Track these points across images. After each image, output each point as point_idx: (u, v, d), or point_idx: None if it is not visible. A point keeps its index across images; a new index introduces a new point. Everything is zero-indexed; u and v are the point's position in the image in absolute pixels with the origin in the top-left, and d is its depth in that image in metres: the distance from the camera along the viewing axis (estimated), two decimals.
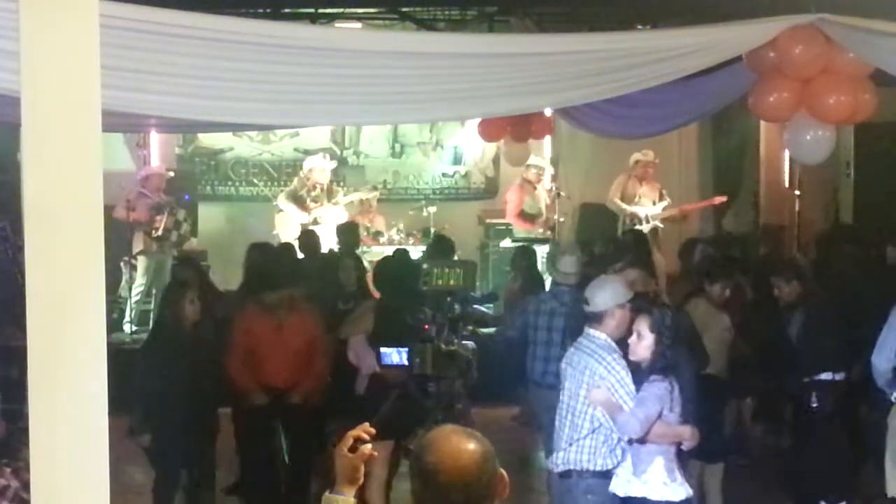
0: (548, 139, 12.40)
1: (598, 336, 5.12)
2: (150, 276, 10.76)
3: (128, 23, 4.53)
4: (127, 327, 10.49)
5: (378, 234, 11.41)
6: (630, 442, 4.98)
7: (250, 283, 7.66)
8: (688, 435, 5.07)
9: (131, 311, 10.63)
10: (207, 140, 12.77)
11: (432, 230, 11.55)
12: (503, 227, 11.94)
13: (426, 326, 3.79)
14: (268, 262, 7.90)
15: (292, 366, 6.64)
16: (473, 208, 12.86)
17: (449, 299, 3.83)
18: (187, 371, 6.26)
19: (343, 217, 11.39)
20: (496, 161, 13.16)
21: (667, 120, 9.77)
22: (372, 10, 11.11)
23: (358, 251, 10.07)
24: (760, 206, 12.36)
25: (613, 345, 5.11)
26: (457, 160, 13.35)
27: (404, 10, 10.69)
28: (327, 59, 5.47)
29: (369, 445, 2.81)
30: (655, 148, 11.44)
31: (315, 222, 11.03)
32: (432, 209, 11.81)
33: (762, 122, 11.04)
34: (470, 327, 3.96)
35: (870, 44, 6.43)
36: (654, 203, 11.25)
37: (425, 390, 3.70)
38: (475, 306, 4.03)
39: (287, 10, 9.86)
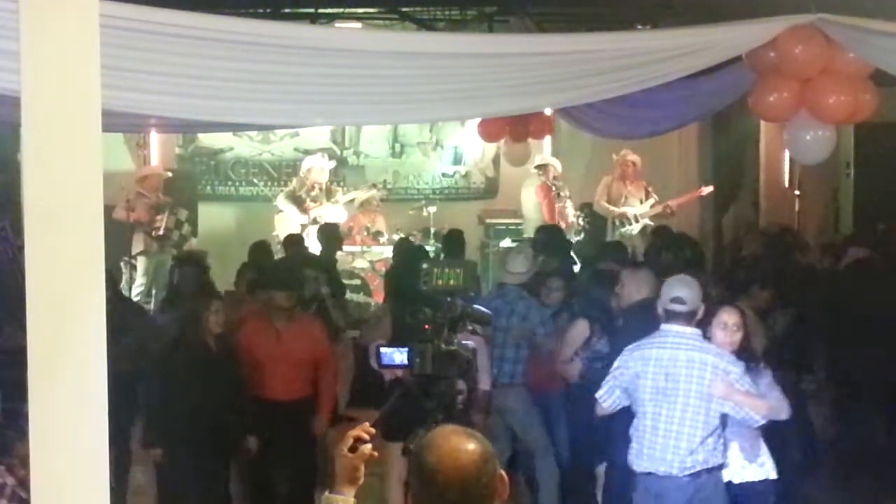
0: (548, 139, 12.40)
1: (693, 332, 5.14)
2: (151, 276, 10.76)
3: (128, 23, 4.53)
4: None
5: (378, 233, 11.40)
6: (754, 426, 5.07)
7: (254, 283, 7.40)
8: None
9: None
10: (207, 140, 12.77)
11: (432, 230, 11.55)
12: (503, 227, 11.94)
13: (426, 326, 3.78)
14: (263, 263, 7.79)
15: (293, 378, 6.35)
16: (473, 208, 12.86)
17: (449, 299, 3.81)
18: (209, 386, 5.92)
19: (343, 217, 11.39)
20: (496, 161, 13.16)
21: (667, 120, 9.79)
22: (372, 10, 11.10)
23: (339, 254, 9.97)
24: (760, 206, 12.35)
25: None
26: (457, 160, 13.35)
27: (404, 10, 10.68)
28: (327, 59, 5.47)
29: (369, 445, 2.81)
30: (655, 148, 11.44)
31: (315, 222, 11.02)
32: (432, 209, 11.81)
33: (762, 122, 11.04)
34: (470, 327, 3.95)
35: (870, 44, 6.43)
36: (640, 202, 11.24)
37: (426, 390, 3.70)
38: (475, 306, 4.02)
39: (287, 10, 9.86)
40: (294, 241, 9.51)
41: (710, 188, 11.53)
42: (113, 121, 6.61)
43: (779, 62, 6.73)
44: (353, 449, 2.81)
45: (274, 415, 6.23)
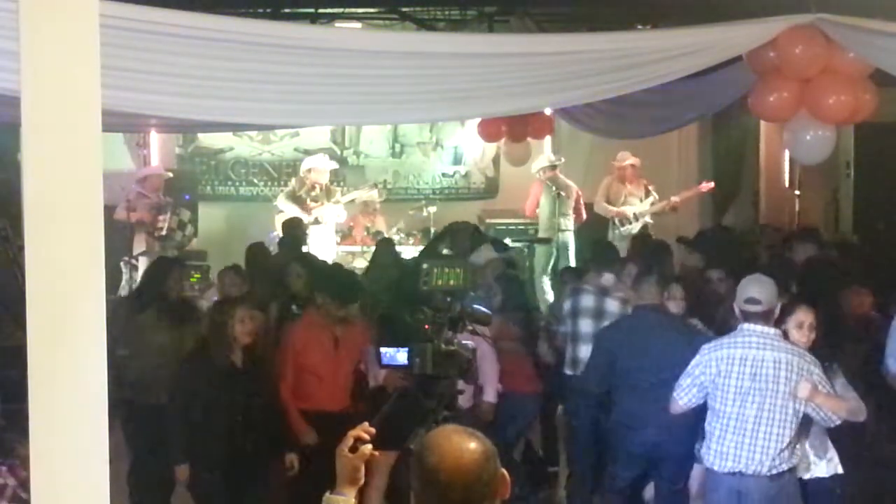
0: (548, 139, 12.40)
1: (775, 332, 5.16)
2: None
3: (128, 23, 4.53)
4: None
5: (378, 233, 11.40)
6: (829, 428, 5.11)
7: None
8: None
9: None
10: (207, 140, 12.76)
11: (432, 230, 11.55)
12: (503, 227, 11.93)
13: (426, 326, 3.78)
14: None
15: (345, 386, 6.03)
16: (473, 208, 12.86)
17: (448, 299, 3.81)
18: (236, 401, 5.56)
19: (343, 216, 11.39)
20: (496, 161, 13.16)
21: (667, 120, 9.79)
22: (372, 10, 11.10)
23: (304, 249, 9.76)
24: (760, 206, 12.35)
25: None
26: (457, 160, 13.35)
27: (404, 10, 10.68)
28: (327, 59, 5.48)
29: (370, 446, 2.80)
30: (655, 148, 11.44)
31: (316, 222, 11.02)
32: (432, 209, 11.81)
33: (762, 122, 11.04)
34: (470, 327, 3.95)
35: (870, 44, 6.43)
36: (640, 201, 11.24)
37: (426, 390, 3.70)
38: (475, 306, 4.01)
39: (287, 10, 9.86)
40: (294, 227, 9.62)
41: (712, 184, 11.49)
42: (113, 121, 6.61)
43: (779, 62, 6.73)
44: (353, 449, 2.81)
45: (321, 427, 5.81)
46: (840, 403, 5.06)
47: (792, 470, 5.12)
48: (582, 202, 11.52)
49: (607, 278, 6.78)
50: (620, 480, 6.19)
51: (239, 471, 5.56)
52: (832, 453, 5.26)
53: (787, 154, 10.98)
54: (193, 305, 7.00)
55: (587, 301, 6.77)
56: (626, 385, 5.99)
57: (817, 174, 11.27)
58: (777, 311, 5.22)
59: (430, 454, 2.48)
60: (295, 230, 9.96)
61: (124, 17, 4.49)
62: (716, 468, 5.21)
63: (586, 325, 6.69)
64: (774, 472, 5.06)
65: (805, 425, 5.14)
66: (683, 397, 5.33)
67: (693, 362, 5.31)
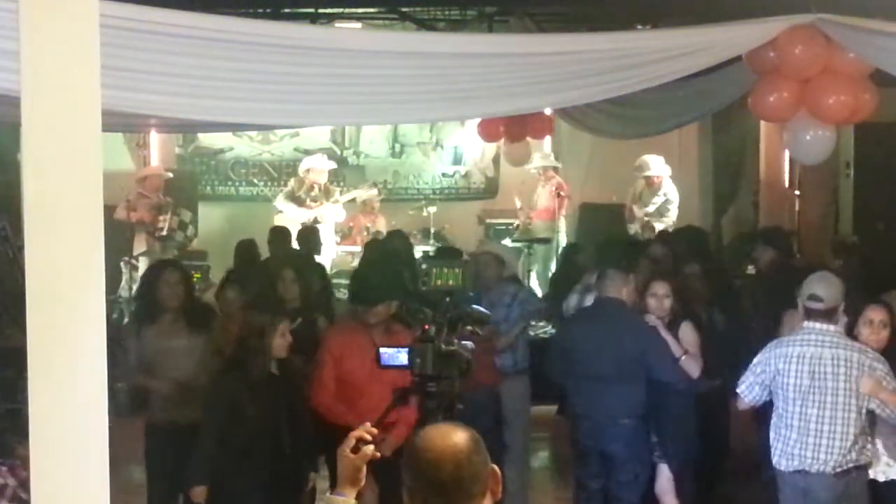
0: (548, 139, 12.40)
1: (835, 329, 5.15)
2: None
3: (128, 23, 4.52)
4: None
5: (378, 233, 11.40)
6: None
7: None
8: None
9: (131, 311, 10.62)
10: (207, 140, 12.77)
11: (432, 230, 11.56)
12: (503, 227, 11.94)
13: (426, 326, 3.78)
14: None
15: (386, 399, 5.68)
16: (473, 208, 12.87)
17: (447, 299, 3.81)
18: (269, 417, 5.26)
19: (342, 216, 11.40)
20: (496, 161, 13.16)
21: (667, 120, 9.79)
22: (372, 10, 11.10)
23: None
24: (760, 206, 12.35)
25: None
26: (457, 160, 13.35)
27: (404, 10, 10.68)
28: (327, 59, 5.47)
29: (371, 446, 2.81)
30: (655, 148, 11.44)
31: (315, 222, 11.03)
32: (432, 209, 11.81)
33: (762, 122, 11.04)
34: (469, 327, 3.95)
35: (870, 44, 6.43)
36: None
37: (426, 391, 3.69)
38: (474, 306, 4.01)
39: (287, 10, 9.86)
40: (280, 235, 9.40)
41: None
42: (113, 121, 6.60)
43: (779, 62, 6.72)
44: (355, 450, 2.81)
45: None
46: None
47: (860, 468, 5.08)
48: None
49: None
50: (586, 488, 6.20)
51: (278, 489, 5.28)
52: None
53: (787, 154, 10.98)
54: (206, 311, 6.41)
55: (572, 300, 6.94)
56: (577, 375, 6.06)
57: (817, 174, 11.26)
58: (841, 310, 5.20)
59: (420, 441, 2.51)
60: (308, 237, 9.82)
61: (124, 17, 4.49)
62: (781, 468, 5.20)
63: None
64: (839, 469, 5.04)
65: (880, 425, 5.12)
66: (748, 395, 5.35)
67: (756, 360, 5.34)
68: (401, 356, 3.78)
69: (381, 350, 3.89)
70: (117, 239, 9.88)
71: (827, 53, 6.61)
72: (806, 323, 5.18)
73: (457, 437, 2.49)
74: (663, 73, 6.28)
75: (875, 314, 5.19)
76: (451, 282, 3.82)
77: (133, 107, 5.24)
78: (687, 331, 6.07)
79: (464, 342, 3.74)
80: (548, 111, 10.38)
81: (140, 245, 10.69)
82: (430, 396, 3.66)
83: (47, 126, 2.66)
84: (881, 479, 5.15)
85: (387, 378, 5.29)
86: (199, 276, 10.35)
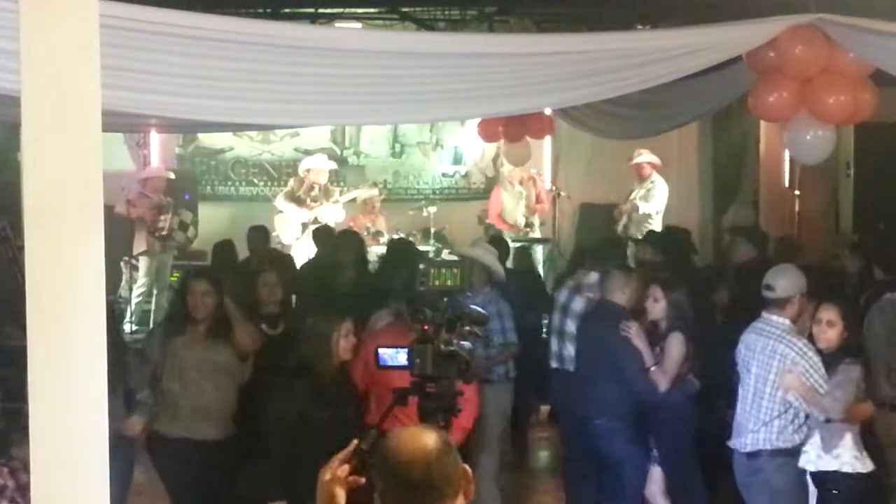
0: (548, 139, 12.40)
1: (782, 321, 5.32)
2: (152, 276, 10.76)
3: (128, 23, 4.52)
4: (127, 327, 10.48)
5: (378, 234, 11.41)
6: (828, 420, 5.15)
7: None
8: (870, 413, 5.37)
9: (131, 311, 10.63)
10: (207, 140, 12.77)
11: (432, 230, 11.56)
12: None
13: (425, 327, 3.77)
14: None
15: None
16: (473, 208, 12.86)
17: (445, 299, 3.81)
18: (338, 420, 4.96)
19: (342, 216, 11.39)
20: (496, 161, 13.16)
21: (667, 120, 9.78)
22: (372, 10, 11.10)
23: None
24: (760, 206, 12.36)
25: (795, 330, 5.33)
26: (457, 160, 13.35)
27: (404, 10, 10.69)
28: (327, 59, 5.47)
29: (346, 468, 2.78)
30: (655, 148, 11.44)
31: (315, 221, 11.02)
32: (432, 209, 11.81)
33: (762, 122, 11.04)
34: (468, 328, 3.94)
35: (870, 44, 6.43)
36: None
37: (425, 391, 3.69)
38: (472, 306, 4.02)
39: (287, 10, 9.86)
40: (258, 235, 9.16)
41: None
42: (113, 121, 6.60)
43: (779, 62, 6.72)
44: (337, 474, 2.79)
45: None
46: (815, 398, 5.15)
47: (775, 454, 5.26)
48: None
49: (591, 277, 6.78)
50: (574, 489, 6.42)
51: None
52: (842, 451, 5.23)
53: (787, 154, 10.98)
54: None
55: (561, 297, 6.92)
56: (562, 371, 6.49)
57: (817, 174, 11.27)
58: (796, 303, 5.34)
59: (390, 443, 2.51)
60: (323, 239, 9.46)
61: (124, 17, 4.48)
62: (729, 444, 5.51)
63: (556, 319, 6.86)
64: (748, 450, 5.32)
65: (815, 417, 5.23)
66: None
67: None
68: (400, 356, 3.78)
69: (381, 350, 3.88)
70: (118, 237, 9.88)
71: (827, 53, 6.61)
72: (762, 311, 5.41)
73: (427, 438, 2.50)
74: (663, 73, 6.28)
75: (823, 313, 5.27)
76: (449, 282, 3.82)
77: (133, 107, 5.24)
78: (673, 343, 5.97)
79: (462, 343, 3.74)
80: (548, 111, 10.39)
81: (140, 244, 10.69)
82: (429, 397, 3.66)
83: (47, 126, 2.66)
84: (810, 469, 5.27)
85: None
86: None
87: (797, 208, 11.99)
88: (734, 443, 5.46)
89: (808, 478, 5.30)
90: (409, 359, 3.73)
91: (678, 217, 11.42)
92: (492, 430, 6.54)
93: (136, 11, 4.58)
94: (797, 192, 11.98)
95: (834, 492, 5.23)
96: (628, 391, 5.97)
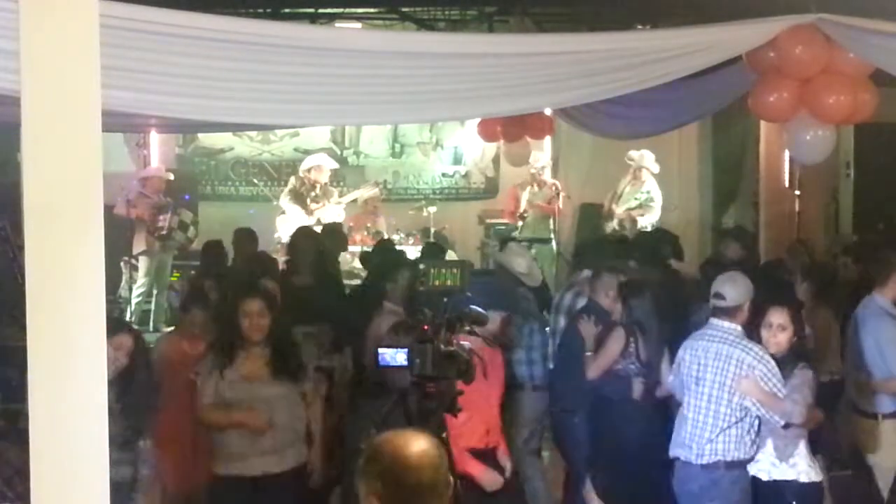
0: (548, 139, 12.41)
1: (734, 327, 5.26)
2: (152, 276, 10.76)
3: (128, 23, 4.52)
4: None
5: (378, 233, 11.41)
6: (786, 426, 5.10)
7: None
8: (820, 419, 5.33)
9: (131, 311, 10.63)
10: (207, 140, 12.78)
11: (432, 230, 11.56)
12: (503, 227, 11.93)
13: (425, 327, 3.78)
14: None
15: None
16: (473, 208, 12.87)
17: (445, 299, 3.81)
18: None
19: (341, 216, 11.38)
20: (496, 161, 13.16)
21: (667, 120, 9.77)
22: (372, 10, 11.11)
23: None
24: (760, 205, 12.36)
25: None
26: (457, 160, 13.36)
27: (404, 10, 10.69)
28: (327, 59, 5.47)
29: None
30: (655, 148, 11.45)
31: (318, 223, 11.01)
32: (432, 209, 11.82)
33: (762, 122, 11.04)
34: (467, 328, 3.95)
35: (870, 44, 6.43)
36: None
37: (425, 391, 3.69)
38: (472, 306, 4.02)
39: (287, 10, 9.86)
40: (244, 237, 8.84)
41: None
42: (113, 121, 6.60)
43: (779, 62, 6.72)
44: None
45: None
46: (775, 402, 5.07)
47: (732, 464, 5.16)
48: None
49: (585, 273, 6.79)
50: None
51: None
52: (799, 459, 5.18)
53: (787, 154, 10.98)
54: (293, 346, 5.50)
55: (565, 301, 6.92)
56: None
57: (817, 174, 11.27)
58: (746, 309, 5.29)
59: (390, 448, 2.51)
60: (334, 236, 9.23)
61: (124, 17, 4.48)
62: (671, 454, 5.39)
63: (562, 322, 6.80)
64: (703, 461, 5.18)
65: (770, 425, 5.15)
66: (671, 385, 5.59)
67: (678, 353, 5.52)
68: (400, 357, 3.78)
69: (380, 350, 3.88)
70: (117, 237, 9.87)
71: (827, 53, 6.61)
72: (711, 319, 5.35)
73: (425, 442, 2.53)
74: (663, 73, 6.28)
75: (774, 317, 5.23)
76: (449, 282, 3.83)
77: (133, 107, 5.24)
78: (613, 337, 5.95)
79: (462, 343, 3.75)
80: (548, 111, 10.39)
81: (140, 244, 10.69)
82: (429, 397, 3.66)
83: (47, 126, 2.66)
84: (764, 478, 5.20)
85: (494, 399, 5.14)
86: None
87: (797, 208, 11.99)
88: (682, 454, 5.27)
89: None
90: (409, 359, 3.73)
91: (678, 217, 11.43)
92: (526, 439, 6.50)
93: (136, 11, 4.58)
94: (797, 192, 11.98)
95: (793, 503, 5.16)
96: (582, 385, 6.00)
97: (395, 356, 3.80)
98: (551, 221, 11.61)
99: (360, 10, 11.01)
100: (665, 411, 5.90)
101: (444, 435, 3.68)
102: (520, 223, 11.71)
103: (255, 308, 5.21)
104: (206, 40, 4.99)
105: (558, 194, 11.49)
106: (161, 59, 4.92)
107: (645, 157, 11.26)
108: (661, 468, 5.62)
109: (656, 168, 11.33)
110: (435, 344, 3.71)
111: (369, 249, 9.42)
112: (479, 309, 4.02)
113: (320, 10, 10.36)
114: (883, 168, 11.28)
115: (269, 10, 9.56)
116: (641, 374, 5.87)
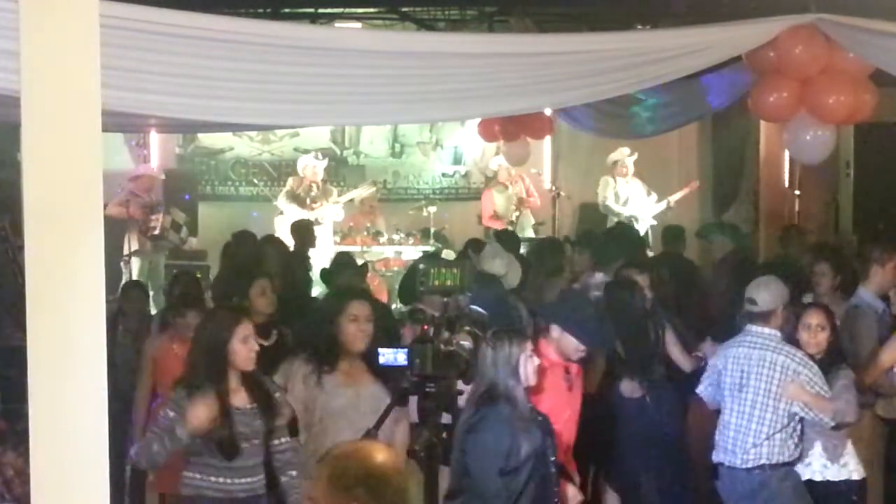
0: (548, 139, 12.41)
1: (773, 332, 5.30)
2: (145, 276, 10.73)
3: (128, 23, 4.53)
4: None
5: (378, 233, 11.40)
6: (835, 427, 5.15)
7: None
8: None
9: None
10: (207, 140, 12.77)
11: (432, 230, 11.56)
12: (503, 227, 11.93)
13: (425, 327, 3.78)
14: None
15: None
16: (473, 208, 12.85)
17: (445, 300, 3.81)
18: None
19: (341, 216, 11.39)
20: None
21: (667, 120, 9.79)
22: (372, 10, 11.10)
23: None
24: (760, 205, 12.36)
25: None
26: (457, 160, 13.36)
27: (404, 10, 10.68)
28: (327, 59, 5.47)
29: None
30: (656, 148, 11.44)
31: (316, 222, 11.01)
32: (432, 209, 11.81)
33: (762, 122, 11.04)
34: (467, 328, 3.95)
35: (870, 44, 6.44)
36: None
37: (425, 391, 3.69)
38: (472, 306, 4.02)
39: (287, 10, 9.86)
40: (244, 240, 8.58)
41: (697, 183, 11.66)
42: (113, 121, 6.60)
43: (779, 62, 6.73)
44: None
45: None
46: (825, 404, 5.12)
47: (777, 467, 5.20)
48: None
49: (597, 277, 6.77)
50: None
51: None
52: (849, 458, 5.27)
53: (787, 154, 10.98)
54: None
55: None
56: None
57: (817, 174, 11.27)
58: (780, 313, 5.32)
59: (361, 457, 2.53)
60: (302, 232, 9.41)
61: (124, 17, 4.49)
62: (714, 459, 5.42)
63: None
64: (749, 465, 5.22)
65: (818, 427, 5.20)
66: (704, 394, 5.57)
67: (710, 361, 5.58)
68: (399, 356, 3.78)
69: (380, 350, 3.88)
70: (111, 239, 9.83)
71: (827, 53, 6.62)
72: (747, 325, 5.38)
73: (393, 454, 2.63)
74: (663, 73, 6.29)
75: (812, 318, 5.30)
76: (449, 282, 3.82)
77: (133, 107, 5.24)
78: None
79: (462, 343, 3.74)
80: (548, 111, 10.39)
81: (132, 244, 10.66)
82: (429, 397, 3.66)
83: (47, 126, 2.66)
84: (817, 479, 5.26)
85: (576, 414, 4.93)
86: (199, 276, 10.32)
87: (797, 208, 11.99)
88: (726, 459, 5.33)
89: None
90: (409, 359, 3.73)
91: (678, 217, 11.41)
92: None
93: (136, 11, 4.58)
94: (797, 192, 11.98)
95: (854, 498, 5.25)
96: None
97: (395, 356, 3.80)
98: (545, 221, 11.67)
99: (360, 10, 11.00)
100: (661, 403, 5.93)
101: (444, 435, 3.68)
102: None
103: (364, 312, 4.80)
104: (206, 40, 5.00)
105: (558, 195, 11.50)
106: (161, 59, 4.93)
107: (621, 152, 11.27)
108: (673, 462, 5.77)
109: (631, 166, 11.31)
110: (435, 344, 3.70)
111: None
112: (479, 309, 4.02)
113: (320, 10, 10.35)
114: (883, 168, 11.27)
115: (269, 10, 9.55)
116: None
